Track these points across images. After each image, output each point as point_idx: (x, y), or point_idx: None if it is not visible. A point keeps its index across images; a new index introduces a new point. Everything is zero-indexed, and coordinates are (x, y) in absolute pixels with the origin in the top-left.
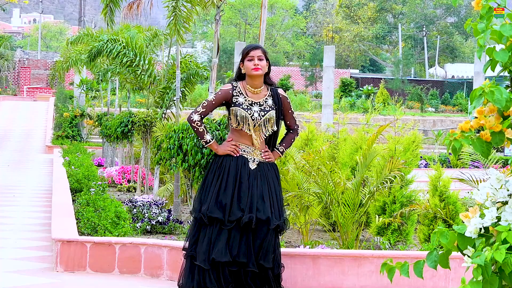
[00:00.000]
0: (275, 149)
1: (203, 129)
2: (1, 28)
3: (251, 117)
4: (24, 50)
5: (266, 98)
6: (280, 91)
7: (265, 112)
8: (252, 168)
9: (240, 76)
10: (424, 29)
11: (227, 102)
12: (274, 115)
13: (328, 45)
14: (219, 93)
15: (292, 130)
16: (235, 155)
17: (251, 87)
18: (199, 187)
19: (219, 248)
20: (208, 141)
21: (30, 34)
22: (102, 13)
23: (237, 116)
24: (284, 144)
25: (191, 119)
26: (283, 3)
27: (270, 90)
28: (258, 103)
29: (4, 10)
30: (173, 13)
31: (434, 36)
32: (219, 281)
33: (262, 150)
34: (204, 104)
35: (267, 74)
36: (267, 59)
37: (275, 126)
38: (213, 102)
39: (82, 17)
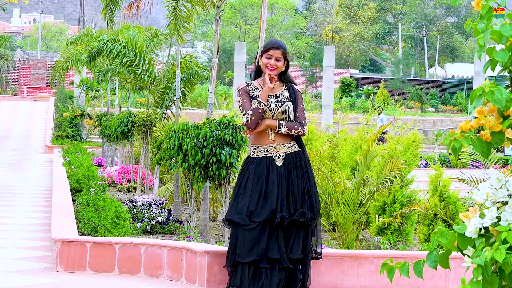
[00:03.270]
0: (277, 120)
1: (252, 110)
2: (1, 28)
3: (268, 108)
4: (24, 50)
5: (282, 91)
6: (296, 87)
7: (282, 103)
8: (279, 165)
9: (258, 71)
10: (424, 29)
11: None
12: (292, 107)
13: (328, 45)
14: (241, 92)
15: (299, 122)
16: (273, 79)
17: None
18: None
19: (240, 249)
20: (257, 103)
21: (30, 34)
22: (102, 13)
23: None
24: (285, 123)
25: (245, 122)
26: (283, 3)
27: (286, 85)
28: (275, 95)
29: (4, 10)
30: (173, 13)
31: (434, 36)
32: (251, 280)
33: (286, 143)
34: (241, 109)
35: (284, 73)
36: (286, 59)
37: (291, 117)
38: (245, 100)
39: (82, 17)
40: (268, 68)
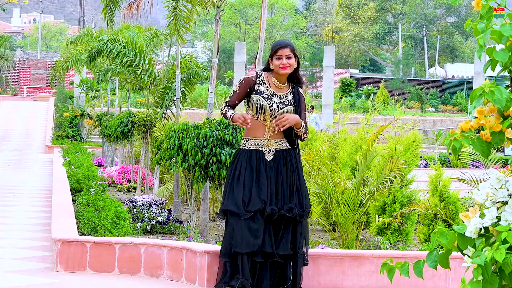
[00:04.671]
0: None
1: (225, 111)
2: (1, 28)
3: (269, 107)
4: (24, 50)
5: (287, 93)
6: (301, 90)
7: (284, 106)
8: (268, 160)
9: (268, 69)
10: (424, 29)
11: (250, 89)
12: (293, 110)
13: (328, 45)
14: (243, 81)
15: None
16: (245, 126)
17: (277, 81)
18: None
19: (237, 240)
20: (229, 117)
21: (30, 34)
22: (102, 13)
23: (256, 104)
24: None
25: (221, 110)
26: (283, 3)
27: (292, 87)
28: (279, 95)
29: (4, 10)
30: (173, 13)
31: (434, 36)
32: (243, 274)
33: (277, 139)
34: (231, 95)
35: (296, 70)
36: (295, 56)
37: None
38: (237, 92)
39: (82, 17)
40: (281, 67)
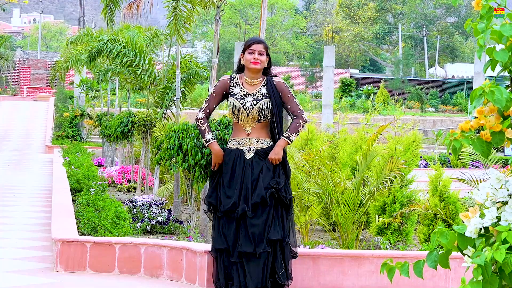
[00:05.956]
0: (281, 136)
1: (205, 128)
2: (1, 28)
3: (243, 106)
4: (24, 50)
5: (259, 88)
6: (276, 78)
7: (257, 101)
8: (247, 158)
9: (241, 67)
10: (424, 29)
11: (226, 93)
12: (269, 103)
13: (328, 45)
14: (218, 84)
15: (295, 116)
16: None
17: (248, 79)
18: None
19: (215, 236)
20: (208, 140)
21: (30, 34)
22: (102, 13)
23: (232, 106)
24: (289, 130)
25: (196, 117)
26: (283, 3)
27: (265, 80)
28: (252, 94)
29: (4, 10)
30: (173, 13)
31: (434, 36)
32: (223, 272)
33: (260, 139)
34: (207, 99)
35: (267, 69)
36: (268, 55)
37: (269, 114)
38: (214, 95)
39: (82, 17)
40: (252, 62)
